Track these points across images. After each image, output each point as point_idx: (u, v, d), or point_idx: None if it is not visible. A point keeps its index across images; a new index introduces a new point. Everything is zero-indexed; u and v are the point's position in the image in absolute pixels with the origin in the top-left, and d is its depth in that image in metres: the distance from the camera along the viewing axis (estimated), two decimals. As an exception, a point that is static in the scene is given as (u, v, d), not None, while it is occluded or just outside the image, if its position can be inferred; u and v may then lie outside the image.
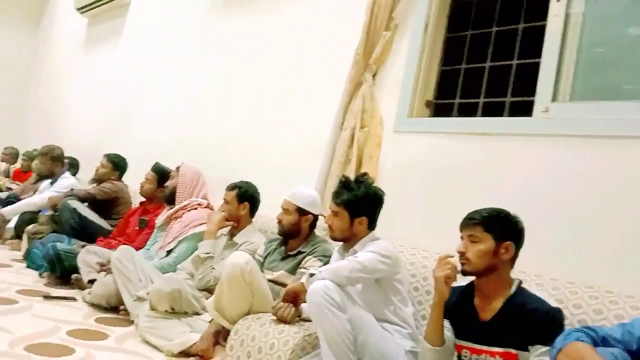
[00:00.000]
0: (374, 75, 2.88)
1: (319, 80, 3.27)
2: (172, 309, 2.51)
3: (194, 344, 2.32)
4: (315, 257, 2.38)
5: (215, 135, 3.99)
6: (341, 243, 2.21)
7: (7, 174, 6.07)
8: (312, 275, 1.91)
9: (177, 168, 3.47)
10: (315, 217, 2.54)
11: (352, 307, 1.85)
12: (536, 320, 1.54)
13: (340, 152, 2.82)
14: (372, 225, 2.15)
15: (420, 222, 2.53)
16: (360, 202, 2.11)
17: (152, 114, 4.82)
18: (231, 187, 2.93)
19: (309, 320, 2.01)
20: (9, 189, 5.53)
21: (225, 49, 4.12)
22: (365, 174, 2.25)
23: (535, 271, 1.96)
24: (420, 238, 2.43)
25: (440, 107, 2.79)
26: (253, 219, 2.97)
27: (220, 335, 2.34)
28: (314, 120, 3.23)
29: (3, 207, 4.53)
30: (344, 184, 2.16)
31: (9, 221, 4.43)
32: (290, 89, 3.46)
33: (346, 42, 2.97)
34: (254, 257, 2.45)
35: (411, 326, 2.04)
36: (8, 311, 2.57)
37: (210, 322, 2.40)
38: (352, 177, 2.31)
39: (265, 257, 2.62)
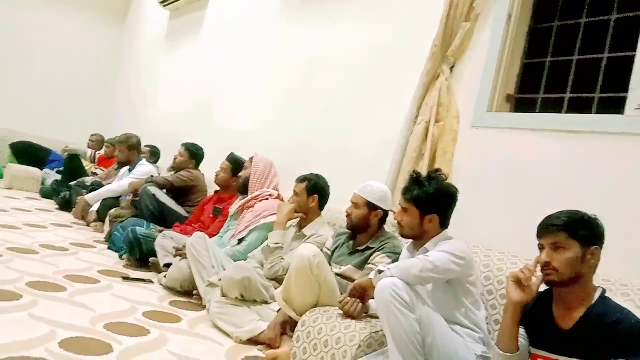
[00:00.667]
0: (451, 68, 2.80)
1: (393, 72, 3.21)
2: (242, 297, 2.56)
3: (262, 332, 2.36)
4: (384, 253, 2.34)
5: (289, 127, 4.03)
6: (411, 241, 2.15)
7: (92, 160, 6.44)
8: (380, 272, 1.88)
9: (251, 159, 3.53)
10: (385, 213, 2.50)
11: (421, 307, 1.80)
12: (619, 334, 1.43)
13: (413, 147, 2.76)
14: (444, 224, 2.08)
15: (496, 223, 2.43)
16: (431, 199, 2.04)
17: (229, 105, 4.95)
18: (301, 179, 2.95)
19: (376, 317, 1.98)
20: (94, 174, 5.87)
21: (301, 42, 4.14)
22: (438, 170, 2.18)
23: (621, 280, 1.83)
24: (496, 239, 2.33)
25: (522, 102, 2.66)
26: (322, 212, 2.98)
27: (288, 326, 2.36)
28: (386, 114, 3.18)
29: (87, 193, 4.82)
30: (415, 180, 2.10)
31: (92, 206, 4.71)
32: (364, 81, 3.43)
33: (423, 33, 2.90)
34: (322, 250, 2.46)
35: (483, 330, 1.96)
36: (90, 290, 2.72)
37: (278, 311, 2.43)
38: (424, 173, 2.24)
39: (334, 251, 2.61)
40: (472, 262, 1.97)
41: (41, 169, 6.46)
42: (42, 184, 6.19)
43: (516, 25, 2.64)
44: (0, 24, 7.57)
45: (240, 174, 3.55)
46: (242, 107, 4.75)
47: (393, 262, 2.21)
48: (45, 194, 5.92)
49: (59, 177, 6.07)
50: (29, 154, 6.86)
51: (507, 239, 2.32)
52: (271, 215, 3.19)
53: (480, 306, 1.99)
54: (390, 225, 2.56)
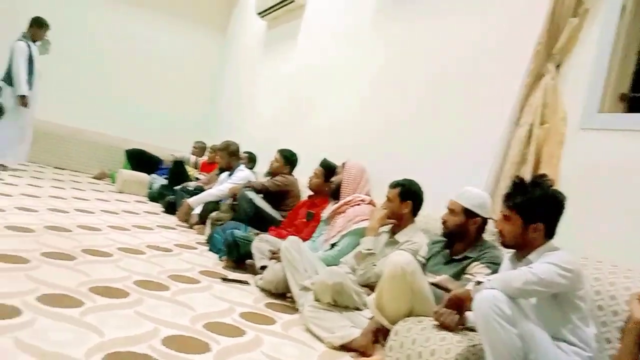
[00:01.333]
0: (557, 66, 2.62)
1: (492, 72, 3.07)
2: (335, 302, 2.56)
3: (354, 339, 2.34)
4: (483, 263, 2.24)
5: (383, 132, 3.99)
6: (513, 251, 2.03)
7: (195, 166, 6.79)
8: (479, 283, 1.79)
9: (343, 164, 3.54)
10: (484, 220, 2.39)
11: (523, 321, 1.69)
12: None
13: (516, 151, 2.61)
14: (550, 233, 1.93)
15: (607, 233, 2.24)
16: (536, 206, 1.91)
17: (322, 111, 5.00)
18: (394, 185, 2.90)
19: (474, 330, 1.89)
20: (197, 179, 6.18)
21: (395, 47, 4.09)
22: (543, 175, 2.03)
23: None
24: (607, 251, 2.14)
25: (637, 102, 2.42)
26: (416, 218, 2.91)
27: (380, 334, 2.32)
28: (485, 116, 3.05)
29: (190, 197, 5.08)
30: (518, 186, 1.98)
31: (194, 209, 4.96)
32: (461, 81, 3.31)
33: (525, 30, 2.74)
34: (415, 258, 2.39)
35: (592, 349, 1.80)
36: (191, 289, 2.84)
37: (370, 319, 2.40)
38: (528, 178, 2.11)
39: (428, 259, 2.54)
40: (581, 275, 1.81)
41: (149, 175, 6.93)
42: (150, 188, 6.61)
43: (631, 19, 2.42)
44: (113, 37, 8.23)
45: (333, 179, 3.56)
46: (335, 113, 4.78)
47: (493, 272, 2.11)
48: (152, 197, 6.32)
49: (165, 181, 6.47)
50: (141, 160, 7.40)
51: (619, 250, 2.12)
52: (363, 220, 3.17)
53: (589, 323, 1.83)
54: (490, 234, 2.44)
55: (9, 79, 6.00)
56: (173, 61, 8.61)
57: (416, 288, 2.19)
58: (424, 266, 2.49)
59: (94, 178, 7.43)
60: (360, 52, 4.55)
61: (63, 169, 7.73)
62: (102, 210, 4.80)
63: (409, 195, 2.84)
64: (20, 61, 5.91)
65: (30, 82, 6.08)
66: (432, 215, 2.92)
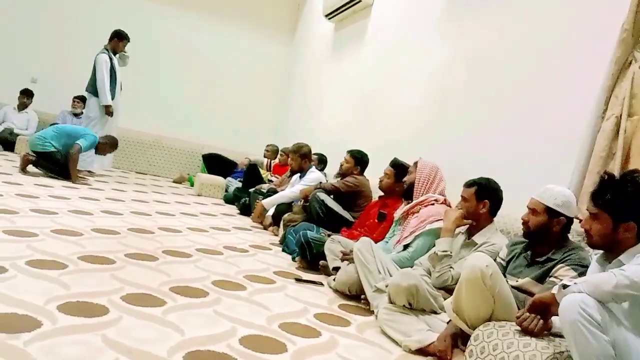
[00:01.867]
0: (647, 54, 2.43)
1: (573, 62, 2.91)
2: (410, 305, 2.51)
3: (432, 343, 2.28)
4: (568, 265, 2.11)
5: (455, 129, 3.89)
6: (601, 252, 1.90)
7: (268, 168, 6.92)
8: (565, 286, 1.68)
9: (415, 163, 3.47)
10: (569, 220, 2.25)
11: (616, 328, 1.58)
12: None
13: (601, 146, 2.46)
14: (643, 233, 1.80)
15: None
16: (627, 204, 1.78)
17: (392, 110, 4.94)
18: (469, 184, 2.80)
19: (560, 336, 1.79)
20: (269, 181, 6.30)
21: (467, 44, 3.97)
22: (635, 170, 1.89)
23: None
24: None
25: None
26: (494, 218, 2.79)
27: (459, 338, 2.25)
28: (566, 109, 2.89)
29: (264, 198, 5.18)
30: (607, 182, 1.85)
31: (267, 210, 5.06)
32: (538, 74, 3.16)
33: (608, 17, 2.57)
34: (495, 260, 2.30)
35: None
36: (267, 289, 2.89)
37: (448, 322, 2.33)
38: (616, 174, 1.97)
39: (508, 262, 2.43)
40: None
41: (225, 178, 7.15)
42: (226, 190, 6.83)
43: None
44: (186, 47, 8.56)
45: (405, 178, 3.50)
46: (404, 111, 4.71)
47: (579, 275, 1.98)
48: (228, 199, 6.52)
49: (240, 184, 6.65)
50: (217, 164, 7.67)
51: None
52: (437, 221, 3.09)
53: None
54: (575, 234, 2.30)
55: (93, 89, 6.41)
56: (244, 67, 8.85)
57: (496, 292, 2.10)
58: (503, 269, 2.39)
59: (174, 182, 7.76)
60: (430, 51, 4.46)
61: (145, 174, 8.14)
62: (181, 213, 4.99)
63: (486, 194, 2.73)
64: (103, 72, 6.29)
65: (112, 92, 6.47)
66: (512, 215, 2.80)
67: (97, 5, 8.07)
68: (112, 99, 6.49)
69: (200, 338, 2.00)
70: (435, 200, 3.30)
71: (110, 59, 6.44)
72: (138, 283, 2.52)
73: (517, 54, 3.39)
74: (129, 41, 6.60)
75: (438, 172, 3.41)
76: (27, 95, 7.65)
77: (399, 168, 3.72)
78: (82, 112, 7.24)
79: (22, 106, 7.63)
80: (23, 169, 5.46)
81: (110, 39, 6.53)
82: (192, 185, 7.48)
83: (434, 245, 2.81)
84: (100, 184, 5.87)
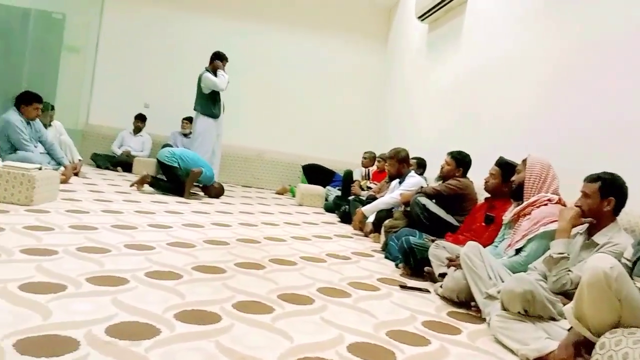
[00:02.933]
0: None
1: None
2: (525, 311, 2.36)
3: (552, 352, 2.12)
4: None
5: (565, 123, 3.62)
6: None
7: (367, 176, 6.91)
8: None
9: (524, 161, 3.26)
10: None
11: None
12: None
13: None
14: None
15: None
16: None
17: (493, 107, 4.72)
18: (593, 179, 2.56)
19: None
20: (368, 188, 6.28)
21: (566, 36, 3.70)
22: None
23: None
24: None
25: None
26: (617, 217, 2.55)
27: (582, 347, 2.07)
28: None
29: (363, 206, 5.17)
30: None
31: (368, 217, 5.04)
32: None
33: None
34: (619, 261, 2.09)
35: None
36: (372, 297, 2.86)
37: (569, 330, 2.15)
38: None
39: (635, 262, 2.20)
40: None
41: (325, 187, 7.26)
42: (326, 199, 6.91)
43: None
44: (281, 62, 8.82)
45: (513, 178, 3.31)
46: (506, 109, 4.47)
47: None
48: (328, 208, 6.59)
49: (339, 193, 6.71)
50: (317, 174, 7.82)
51: None
52: (551, 222, 2.87)
53: None
54: None
55: (200, 107, 6.83)
56: (339, 77, 8.94)
57: (624, 295, 1.90)
58: (630, 270, 2.17)
59: (277, 193, 8.01)
60: (535, 43, 4.20)
61: (250, 187, 8.48)
62: (285, 223, 5.12)
63: (611, 190, 2.49)
64: (210, 79, 6.69)
65: (216, 110, 6.85)
66: (635, 211, 2.54)
67: (196, 32, 8.58)
68: (217, 117, 6.86)
69: (308, 345, 2.01)
70: (549, 200, 3.07)
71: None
72: (248, 291, 2.61)
73: (622, 39, 3.09)
74: (227, 61, 6.94)
75: (550, 169, 3.18)
76: (140, 119, 8.33)
77: (505, 167, 3.53)
78: (190, 132, 7.70)
79: (137, 130, 8.31)
80: (139, 187, 5.89)
81: (211, 61, 6.91)
82: (293, 195, 7.66)
83: (549, 248, 2.62)
84: (209, 199, 6.18)
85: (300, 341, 2.04)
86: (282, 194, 7.99)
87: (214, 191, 6.38)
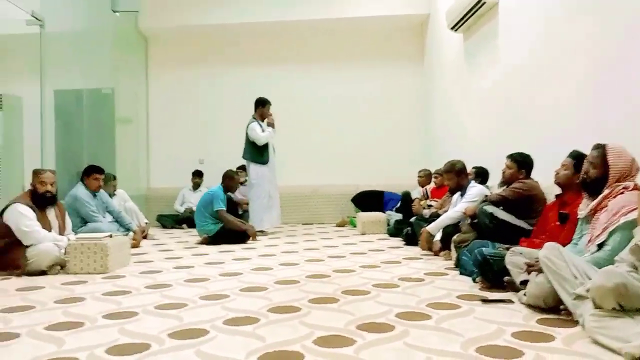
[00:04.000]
0: None
1: None
2: (621, 306, 2.20)
3: (659, 347, 1.95)
4: None
5: (612, 114, 3.44)
6: None
7: (425, 194, 6.78)
8: None
9: (598, 150, 3.01)
10: None
11: None
12: None
13: None
14: None
15: None
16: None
17: (539, 105, 4.56)
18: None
19: None
20: (429, 206, 6.15)
21: (607, 25, 3.56)
22: None
23: None
24: None
25: None
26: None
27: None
28: None
29: (427, 225, 5.05)
30: None
31: (434, 236, 4.91)
32: None
33: None
34: None
35: None
36: (454, 315, 2.76)
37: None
38: None
39: None
40: None
41: (383, 212, 7.18)
42: (387, 224, 6.83)
43: None
44: (322, 98, 8.93)
45: (588, 171, 3.06)
46: (551, 102, 4.31)
47: None
48: (392, 232, 6.50)
49: (399, 216, 6.62)
50: (368, 200, 7.79)
51: None
52: (631, 211, 2.69)
53: None
54: None
55: (249, 156, 7.00)
56: (380, 101, 8.96)
57: None
58: None
59: (337, 226, 7.99)
60: (574, 35, 4.06)
61: (310, 223, 8.52)
62: (351, 253, 5.08)
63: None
64: (256, 131, 6.85)
65: (267, 155, 6.99)
66: None
67: (236, 82, 8.87)
68: (267, 162, 7.00)
69: (397, 372, 1.95)
70: (624, 188, 2.88)
71: (260, 126, 7.00)
72: (325, 326, 2.57)
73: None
74: (270, 104, 7.12)
75: (634, 164, 2.94)
76: (198, 175, 8.63)
77: (580, 159, 3.29)
78: (246, 180, 7.86)
79: (195, 186, 8.60)
80: (205, 243, 6.05)
81: (255, 108, 7.10)
82: (354, 226, 7.61)
83: (633, 237, 2.45)
84: (274, 240, 6.24)
85: (388, 369, 1.98)
86: (343, 226, 7.96)
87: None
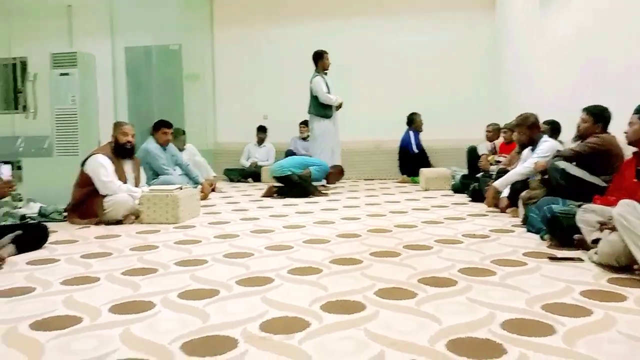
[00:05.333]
0: None
1: None
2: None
3: None
4: None
5: None
6: None
7: (494, 149, 6.57)
8: None
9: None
10: None
11: None
12: None
13: None
14: None
15: None
16: None
17: (622, 54, 4.23)
18: None
19: None
20: (497, 161, 5.97)
21: None
22: None
23: None
24: None
25: None
26: None
27: None
28: None
29: (494, 180, 4.90)
30: None
31: (501, 192, 4.77)
32: None
33: None
34: None
35: None
36: (519, 272, 2.70)
37: None
38: None
39: None
40: None
41: (449, 168, 7.05)
42: (452, 180, 6.70)
43: None
44: (387, 51, 8.69)
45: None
46: (636, 52, 3.99)
47: None
48: (456, 188, 6.38)
49: (465, 171, 6.47)
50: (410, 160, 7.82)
51: None
52: None
53: None
54: None
55: (314, 110, 7.03)
56: (447, 56, 8.61)
57: None
58: None
59: (400, 182, 7.92)
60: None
61: (372, 179, 8.50)
62: (413, 209, 5.06)
63: None
64: (322, 87, 6.87)
65: (329, 109, 7.00)
66: None
67: (300, 38, 8.76)
68: (331, 116, 7.00)
69: (458, 326, 1.95)
70: None
71: (323, 78, 6.98)
72: (387, 278, 2.60)
73: None
74: (327, 53, 7.12)
75: None
76: (262, 131, 8.77)
77: None
78: (308, 135, 7.90)
79: (260, 141, 8.76)
80: (269, 197, 6.19)
81: (316, 63, 7.08)
82: (417, 182, 7.53)
83: None
84: (335, 195, 6.29)
85: (450, 322, 1.98)
86: (406, 182, 7.89)
87: (332, 178, 6.67)
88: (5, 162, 3.31)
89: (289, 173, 6.21)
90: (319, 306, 2.19)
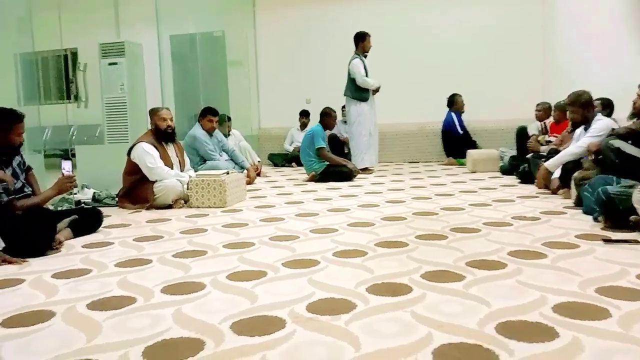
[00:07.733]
0: None
1: None
2: None
3: None
4: None
5: None
6: None
7: (544, 129, 6.35)
8: None
9: None
10: None
11: None
12: None
13: None
14: None
15: None
16: None
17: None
18: None
19: None
20: (547, 142, 5.77)
21: None
22: None
23: None
24: None
25: None
26: None
27: None
28: None
29: (545, 161, 4.74)
30: None
31: (552, 173, 4.62)
32: None
33: None
34: None
35: None
36: (571, 255, 2.62)
37: None
38: None
39: None
40: None
41: (497, 149, 6.87)
42: (501, 161, 6.54)
43: None
44: (430, 32, 8.50)
45: None
46: None
47: None
48: (505, 170, 6.22)
49: (514, 152, 6.29)
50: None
51: None
52: None
53: None
54: None
55: (350, 93, 6.96)
56: (492, 34, 8.33)
57: None
58: None
59: (445, 164, 7.79)
60: None
61: (417, 162, 8.40)
62: (460, 192, 4.97)
63: None
64: (360, 69, 6.79)
65: (368, 91, 6.92)
66: None
67: (342, 20, 8.67)
68: (368, 99, 6.92)
69: (508, 309, 1.91)
70: None
71: (362, 61, 6.90)
72: (434, 261, 2.57)
73: None
74: (369, 35, 6.97)
75: None
76: (305, 115, 8.78)
77: None
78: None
79: (303, 126, 8.76)
80: (313, 181, 6.21)
81: (356, 44, 6.99)
82: (463, 164, 7.38)
83: None
84: (379, 178, 6.26)
85: (499, 305, 1.94)
86: (452, 165, 7.75)
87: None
88: (66, 158, 3.43)
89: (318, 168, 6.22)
90: (365, 288, 2.20)
